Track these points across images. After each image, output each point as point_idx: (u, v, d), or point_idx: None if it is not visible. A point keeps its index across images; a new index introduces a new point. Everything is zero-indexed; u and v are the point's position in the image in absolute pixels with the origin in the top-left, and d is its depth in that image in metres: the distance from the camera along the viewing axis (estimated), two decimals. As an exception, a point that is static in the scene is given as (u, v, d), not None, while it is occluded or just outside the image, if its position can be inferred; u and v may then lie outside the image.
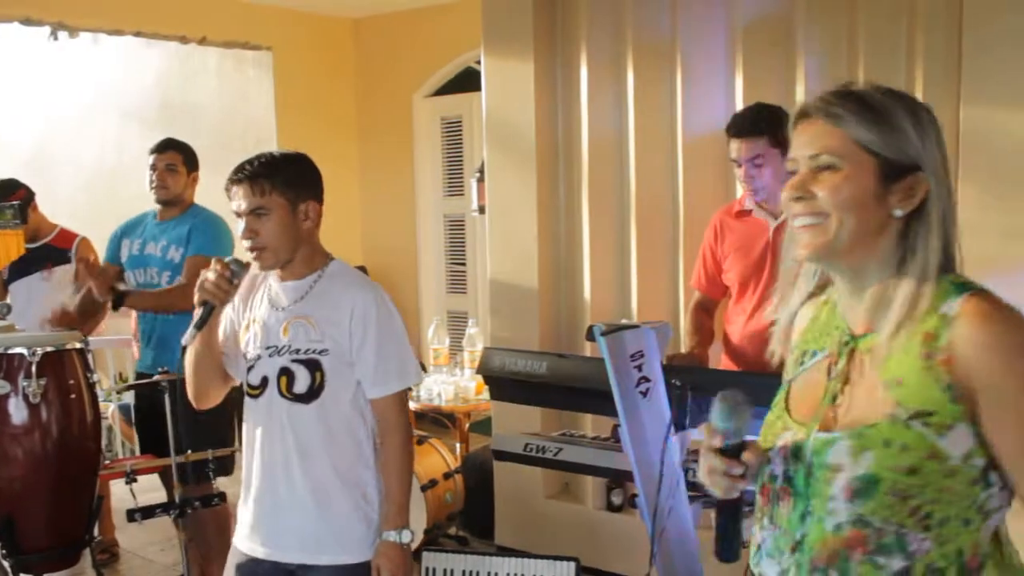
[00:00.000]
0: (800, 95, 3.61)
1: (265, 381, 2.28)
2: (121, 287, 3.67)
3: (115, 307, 3.67)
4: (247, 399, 2.33)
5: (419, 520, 4.37)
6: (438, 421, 5.69)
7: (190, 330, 2.21)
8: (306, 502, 2.26)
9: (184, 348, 2.26)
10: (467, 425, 5.04)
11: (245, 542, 2.34)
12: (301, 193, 2.29)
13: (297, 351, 2.25)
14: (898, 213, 1.34)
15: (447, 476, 4.52)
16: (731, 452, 1.38)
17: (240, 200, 2.21)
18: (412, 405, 5.07)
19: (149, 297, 3.75)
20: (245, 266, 2.27)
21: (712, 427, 1.39)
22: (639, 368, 2.43)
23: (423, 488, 4.33)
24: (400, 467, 2.30)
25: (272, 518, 2.29)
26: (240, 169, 2.23)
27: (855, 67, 3.49)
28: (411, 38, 6.88)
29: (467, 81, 6.69)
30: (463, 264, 7.01)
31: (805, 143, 1.38)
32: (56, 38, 5.58)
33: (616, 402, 2.44)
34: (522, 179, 4.25)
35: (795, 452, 1.40)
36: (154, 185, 3.85)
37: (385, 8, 6.90)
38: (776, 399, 1.50)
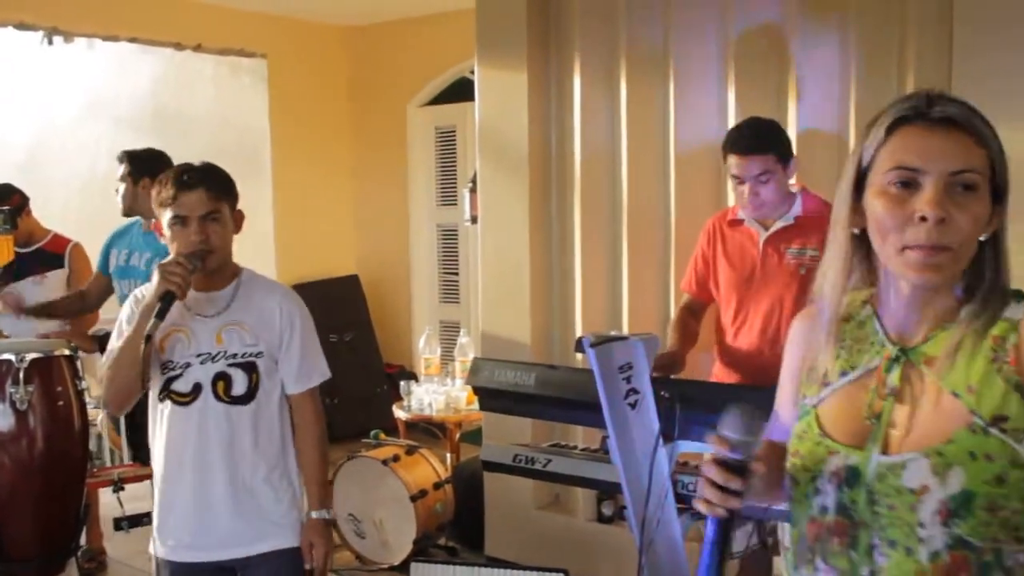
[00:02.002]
0: (792, 107, 3.61)
1: (198, 388, 2.34)
2: (101, 333, 3.68)
3: (101, 351, 3.68)
4: (169, 407, 2.36)
5: (408, 531, 4.36)
6: (429, 431, 5.68)
7: (152, 320, 2.23)
8: (244, 498, 2.37)
9: (149, 337, 2.24)
10: (458, 435, 5.02)
11: (180, 551, 2.40)
12: (235, 201, 2.43)
13: (234, 355, 2.36)
14: (982, 238, 1.29)
15: (437, 486, 4.50)
16: (734, 467, 1.31)
17: (191, 205, 2.29)
18: (403, 415, 5.08)
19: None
20: (202, 261, 2.31)
21: (721, 437, 1.32)
22: (628, 380, 2.41)
23: (412, 498, 4.32)
24: (322, 452, 2.50)
25: (209, 520, 2.37)
26: (190, 174, 2.32)
27: (847, 79, 3.50)
28: (406, 47, 6.89)
29: (461, 91, 6.70)
30: (456, 274, 7.00)
31: (943, 155, 1.26)
32: (51, 43, 5.58)
33: (604, 414, 2.43)
34: (514, 189, 4.25)
35: (850, 479, 1.31)
36: None
37: (380, 17, 6.91)
38: (803, 424, 1.40)
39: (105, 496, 4.01)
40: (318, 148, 7.06)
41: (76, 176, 6.87)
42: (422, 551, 4.42)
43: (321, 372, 2.51)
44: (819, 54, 3.57)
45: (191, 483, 2.36)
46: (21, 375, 3.24)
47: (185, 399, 2.34)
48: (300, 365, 2.44)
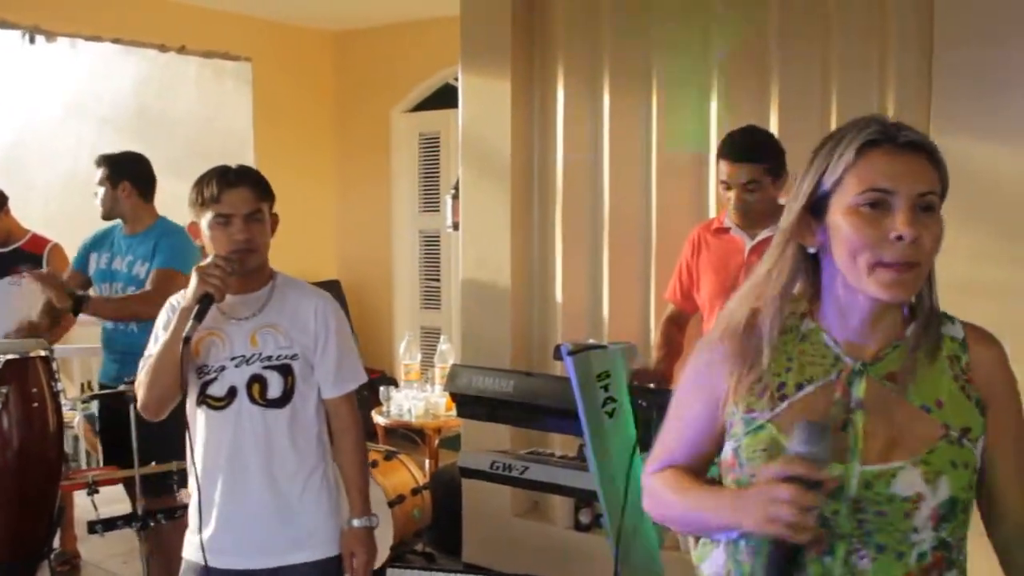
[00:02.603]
0: (774, 117, 3.63)
1: (233, 391, 2.31)
2: (79, 292, 3.61)
3: (75, 313, 3.61)
4: (206, 412, 2.33)
5: (386, 536, 4.34)
6: (408, 437, 5.67)
7: (191, 322, 2.20)
8: (280, 505, 2.33)
9: (188, 339, 2.22)
10: (437, 441, 5.02)
11: (212, 555, 2.33)
12: (273, 202, 2.41)
13: (269, 358, 2.32)
14: None
15: (415, 492, 4.49)
16: (812, 484, 1.24)
17: (235, 203, 2.28)
18: (382, 420, 5.07)
19: (110, 304, 3.67)
20: (241, 262, 2.29)
21: (796, 457, 1.25)
22: (605, 388, 2.42)
23: (390, 504, 4.30)
24: (360, 458, 2.46)
25: (243, 526, 2.32)
26: (234, 173, 2.32)
27: (828, 91, 3.52)
28: (391, 53, 6.89)
29: (446, 97, 6.70)
30: (437, 280, 7.00)
31: (911, 177, 1.32)
32: (33, 42, 5.54)
33: (581, 422, 2.43)
34: (496, 196, 4.25)
35: (832, 491, 1.31)
36: None
37: (366, 22, 6.91)
38: (759, 441, 1.39)
39: (80, 498, 3.99)
40: (301, 153, 7.05)
41: (58, 177, 6.83)
42: (399, 557, 4.41)
43: (358, 377, 2.47)
44: (799, 69, 3.59)
45: (228, 488, 2.32)
46: (-4, 376, 3.20)
47: (221, 403, 2.31)
48: (337, 369, 2.39)
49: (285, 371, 2.33)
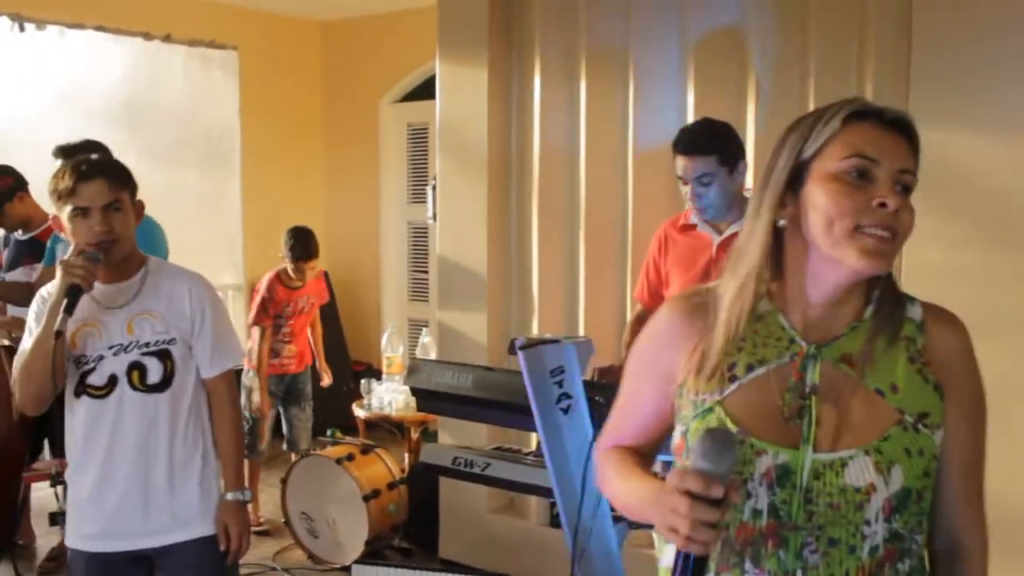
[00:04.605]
0: (751, 109, 3.57)
1: (113, 379, 2.33)
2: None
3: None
4: (86, 401, 2.33)
5: (361, 531, 4.31)
6: (391, 431, 5.62)
7: (61, 315, 2.20)
8: (163, 486, 2.37)
9: (60, 333, 2.20)
10: (418, 435, 4.96)
11: (94, 541, 2.38)
12: (135, 190, 2.40)
13: (147, 344, 2.35)
14: None
15: (391, 487, 4.45)
16: (712, 500, 1.16)
17: (92, 195, 2.27)
18: (362, 413, 5.02)
19: None
20: (105, 252, 2.28)
21: (693, 470, 1.17)
22: (559, 384, 2.36)
23: (365, 498, 4.27)
24: (237, 435, 2.53)
25: (127, 509, 2.36)
26: (88, 165, 2.30)
27: (806, 82, 3.46)
28: (379, 43, 6.84)
29: (433, 88, 6.61)
30: (426, 272, 6.95)
31: (896, 153, 1.30)
32: (23, 29, 5.49)
33: (535, 418, 2.38)
34: (473, 187, 4.20)
35: (781, 478, 1.28)
36: None
37: (353, 12, 6.85)
38: (704, 424, 1.33)
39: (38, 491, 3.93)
40: (288, 142, 6.99)
41: (46, 166, 6.77)
42: (375, 552, 4.37)
43: (235, 356, 2.52)
44: (778, 56, 3.53)
45: (110, 473, 2.34)
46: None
47: (101, 391, 2.32)
48: (213, 349, 2.43)
49: (163, 356, 2.36)
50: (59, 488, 3.40)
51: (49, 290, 2.33)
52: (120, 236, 2.30)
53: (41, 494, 4.10)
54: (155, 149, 6.15)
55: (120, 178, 2.33)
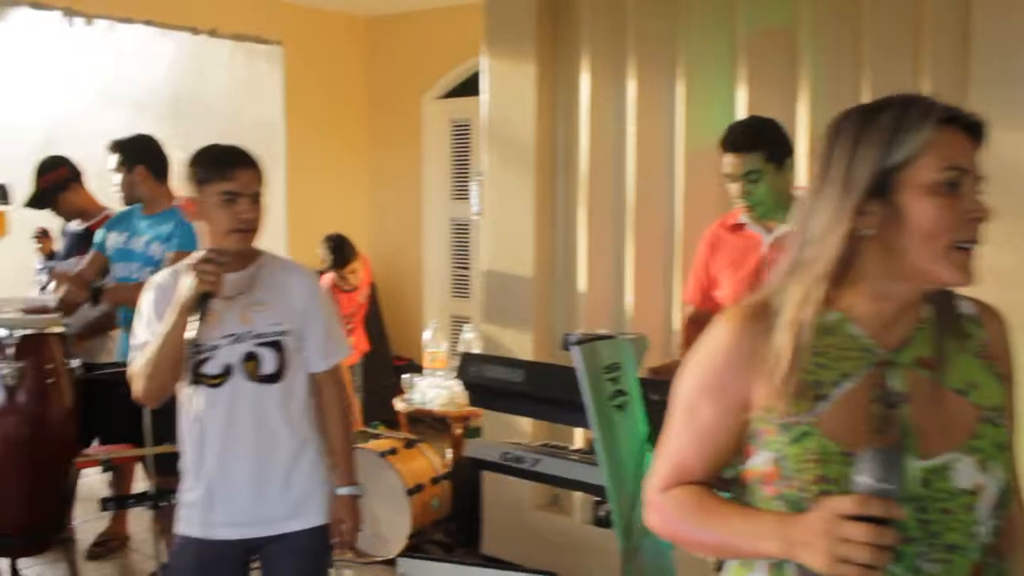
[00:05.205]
0: (803, 106, 3.53)
1: (228, 369, 2.34)
2: (96, 284, 3.62)
3: (94, 303, 3.62)
4: (201, 389, 2.34)
5: (403, 525, 4.32)
6: (433, 426, 5.64)
7: (194, 324, 2.20)
8: (276, 476, 2.38)
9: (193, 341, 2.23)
10: (461, 431, 4.97)
11: (208, 529, 2.38)
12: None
13: (261, 335, 2.35)
14: None
15: (435, 481, 4.46)
16: (885, 521, 1.13)
17: (246, 181, 2.30)
18: (404, 408, 5.03)
19: (126, 290, 3.67)
20: (224, 253, 2.27)
21: (866, 493, 1.13)
22: (614, 380, 2.36)
23: (409, 492, 4.28)
24: (347, 428, 2.55)
25: (238, 498, 2.37)
26: (244, 154, 2.33)
27: (860, 78, 3.41)
28: (423, 39, 6.85)
29: (477, 84, 6.62)
30: (468, 268, 6.96)
31: (976, 161, 1.29)
32: (71, 24, 5.57)
33: (588, 415, 2.37)
34: (520, 184, 4.19)
35: None
36: None
37: (398, 8, 6.87)
38: (807, 447, 1.27)
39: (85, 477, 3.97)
40: (333, 138, 7.03)
41: (92, 160, 6.87)
42: (417, 546, 4.38)
43: (343, 350, 2.54)
44: (831, 55, 3.48)
45: (224, 462, 2.35)
46: (12, 351, 3.21)
47: (215, 381, 2.33)
48: (324, 343, 2.46)
49: (277, 347, 2.37)
50: (109, 475, 3.45)
51: (162, 277, 2.37)
52: (258, 227, 2.34)
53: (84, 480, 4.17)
54: (200, 143, 6.16)
55: (260, 169, 2.36)
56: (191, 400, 2.36)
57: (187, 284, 2.22)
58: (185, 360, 2.28)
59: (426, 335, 5.40)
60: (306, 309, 2.42)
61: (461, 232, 6.98)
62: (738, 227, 3.18)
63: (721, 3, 3.74)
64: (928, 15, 3.27)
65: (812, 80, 3.52)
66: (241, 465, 2.35)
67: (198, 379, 2.33)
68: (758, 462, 1.34)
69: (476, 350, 4.99)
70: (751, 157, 2.98)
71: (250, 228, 2.32)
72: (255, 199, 2.31)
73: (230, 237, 2.30)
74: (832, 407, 1.28)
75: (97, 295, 3.57)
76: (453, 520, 4.58)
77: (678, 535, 1.41)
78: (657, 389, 2.47)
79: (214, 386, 2.33)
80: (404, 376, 5.22)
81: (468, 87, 6.81)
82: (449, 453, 4.91)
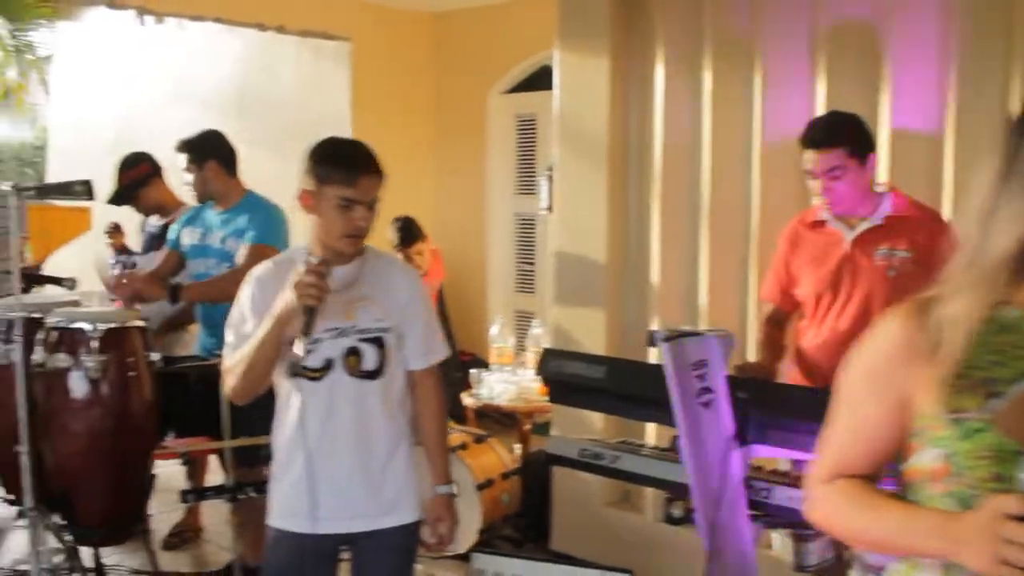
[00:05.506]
0: (885, 101, 3.46)
1: (329, 363, 2.33)
2: (174, 282, 3.67)
3: (172, 301, 3.67)
4: (300, 382, 2.33)
5: (473, 520, 4.31)
6: (500, 421, 5.64)
7: (301, 339, 2.18)
8: (371, 472, 2.39)
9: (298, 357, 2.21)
10: (528, 426, 4.96)
11: (304, 522, 2.37)
12: None
13: (364, 331, 2.35)
14: None
15: (505, 476, 4.45)
16: None
17: (367, 189, 2.28)
18: (472, 403, 5.04)
19: (204, 287, 3.72)
20: (329, 263, 2.25)
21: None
22: (701, 378, 2.33)
23: (479, 487, 4.27)
24: (443, 428, 2.56)
25: (334, 492, 2.37)
26: (371, 159, 2.31)
27: (946, 73, 3.33)
28: (489, 34, 6.84)
29: (543, 79, 6.62)
30: (532, 263, 6.94)
31: None
32: (143, 23, 5.65)
33: (675, 412, 2.34)
34: (592, 178, 4.17)
35: None
36: None
37: (464, 3, 6.87)
38: (983, 444, 1.24)
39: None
40: (398, 133, 7.05)
41: (163, 157, 6.96)
42: (487, 541, 4.37)
43: (442, 350, 2.54)
44: (916, 49, 3.40)
45: (322, 456, 2.35)
46: (95, 344, 3.26)
47: (316, 374, 2.34)
48: (425, 341, 2.46)
49: (379, 343, 2.36)
50: (187, 467, 3.50)
51: (262, 270, 2.37)
52: (367, 232, 2.33)
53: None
54: (266, 139, 6.24)
55: (383, 174, 2.34)
56: (290, 392, 2.36)
57: (288, 297, 2.19)
58: (283, 360, 2.28)
59: (493, 330, 5.41)
60: (408, 306, 2.41)
61: (526, 227, 6.97)
62: (819, 224, 3.12)
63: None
64: (1019, 5, 3.18)
65: (895, 73, 3.44)
66: (338, 459, 2.35)
67: (298, 371, 2.32)
68: (924, 459, 1.32)
69: (545, 345, 4.99)
70: (833, 153, 2.93)
71: (362, 235, 2.32)
72: (371, 206, 2.30)
73: (341, 241, 2.30)
74: (1009, 405, 1.25)
75: (175, 293, 3.61)
76: (523, 515, 4.57)
77: (838, 528, 1.41)
78: (744, 387, 2.44)
79: (314, 379, 2.33)
80: (472, 371, 5.22)
81: (534, 82, 6.80)
82: (518, 448, 4.90)
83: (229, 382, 2.33)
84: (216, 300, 3.66)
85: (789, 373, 3.21)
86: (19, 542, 3.66)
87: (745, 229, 3.85)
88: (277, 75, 6.53)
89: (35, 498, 3.34)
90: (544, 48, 6.40)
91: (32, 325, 3.36)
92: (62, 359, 3.27)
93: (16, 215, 3.50)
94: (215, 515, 4.59)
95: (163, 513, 4.60)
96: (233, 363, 2.31)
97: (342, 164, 2.27)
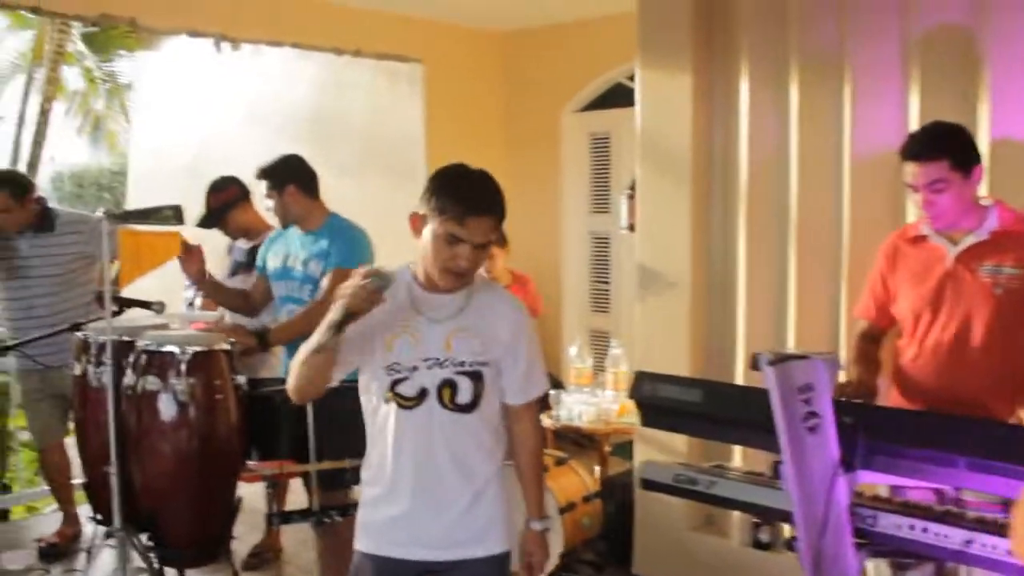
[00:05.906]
0: (983, 113, 3.34)
1: (424, 393, 2.31)
2: (260, 329, 3.71)
3: (263, 348, 3.70)
4: (394, 409, 2.32)
5: (555, 543, 4.25)
6: (577, 442, 5.57)
7: (328, 331, 2.20)
8: (461, 502, 2.36)
9: (323, 347, 2.21)
10: (609, 448, 4.89)
11: (392, 548, 2.37)
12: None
13: (462, 363, 2.32)
14: None
15: (587, 499, 4.39)
16: None
17: (475, 231, 2.20)
18: (550, 424, 4.98)
19: (289, 327, 3.70)
20: (387, 278, 2.24)
21: None
22: (807, 402, 2.24)
23: (561, 511, 4.22)
24: (539, 463, 2.55)
25: (426, 520, 2.35)
26: (486, 200, 2.24)
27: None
28: (560, 52, 6.82)
29: (616, 97, 6.58)
30: (607, 283, 6.88)
31: None
32: (219, 50, 5.74)
33: (779, 437, 2.26)
34: (675, 197, 4.10)
35: None
36: None
37: (535, 22, 6.86)
38: None
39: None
40: (471, 154, 6.91)
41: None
42: (568, 565, 4.31)
43: (543, 385, 2.49)
44: (1018, 51, 3.28)
45: (414, 483, 2.34)
46: (184, 367, 3.28)
47: (410, 403, 2.32)
48: (525, 378, 2.42)
49: (476, 377, 2.33)
50: (271, 490, 3.49)
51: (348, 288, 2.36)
52: (474, 270, 2.29)
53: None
54: (341, 162, 6.28)
55: (502, 216, 2.28)
56: (385, 418, 2.34)
57: (340, 304, 2.19)
58: (331, 373, 2.29)
59: (571, 351, 5.36)
60: (511, 342, 2.37)
61: (601, 246, 6.91)
62: (920, 239, 3.02)
63: (890, 4, 3.58)
64: None
65: (994, 83, 3.32)
66: (430, 488, 2.33)
67: (393, 398, 2.31)
68: None
69: (627, 367, 4.91)
70: (935, 166, 2.83)
71: (463, 273, 2.26)
72: (481, 247, 2.24)
73: (439, 274, 2.27)
74: None
75: (264, 339, 3.63)
76: (604, 538, 4.50)
77: None
78: (851, 411, 2.35)
79: (408, 408, 2.31)
80: (551, 392, 5.17)
81: (607, 100, 6.75)
82: (598, 470, 4.83)
83: (288, 381, 2.34)
84: (306, 334, 3.64)
85: (888, 393, 3.10)
86: (107, 561, 3.71)
87: (836, 246, 3.75)
88: (351, 98, 6.58)
89: (123, 518, 3.39)
90: (616, 66, 6.39)
91: (123, 348, 3.41)
92: (152, 382, 3.30)
93: (108, 240, 3.56)
94: (294, 536, 4.60)
95: (244, 534, 4.63)
96: (294, 362, 2.32)
97: (458, 200, 2.20)
